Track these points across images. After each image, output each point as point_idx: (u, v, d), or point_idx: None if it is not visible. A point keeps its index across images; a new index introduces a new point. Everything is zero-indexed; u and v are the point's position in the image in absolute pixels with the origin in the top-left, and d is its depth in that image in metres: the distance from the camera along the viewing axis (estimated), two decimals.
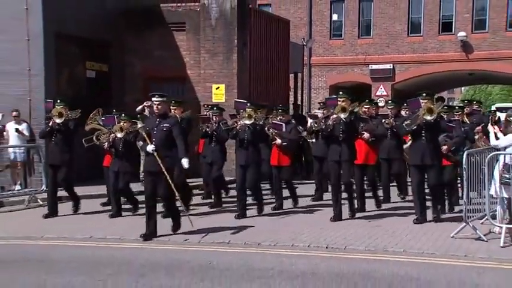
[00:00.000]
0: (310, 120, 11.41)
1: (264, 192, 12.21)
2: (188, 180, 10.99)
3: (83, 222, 10.19)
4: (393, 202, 11.62)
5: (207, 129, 11.06)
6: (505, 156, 8.52)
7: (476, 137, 10.96)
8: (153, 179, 8.61)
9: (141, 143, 8.86)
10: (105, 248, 8.44)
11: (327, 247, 8.12)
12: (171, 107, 10.48)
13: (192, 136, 11.36)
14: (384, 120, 11.20)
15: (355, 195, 10.34)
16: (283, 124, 10.83)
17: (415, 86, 24.90)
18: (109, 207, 10.84)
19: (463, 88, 61.75)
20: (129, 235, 8.88)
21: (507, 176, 8.38)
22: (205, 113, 12.25)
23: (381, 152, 11.29)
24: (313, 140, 12.19)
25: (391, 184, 12.08)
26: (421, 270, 6.98)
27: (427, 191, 9.81)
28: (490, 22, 26.33)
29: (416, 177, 9.51)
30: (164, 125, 8.64)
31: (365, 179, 11.14)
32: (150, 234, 8.67)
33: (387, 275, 6.76)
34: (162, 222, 9.20)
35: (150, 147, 8.51)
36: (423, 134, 9.33)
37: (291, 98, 20.83)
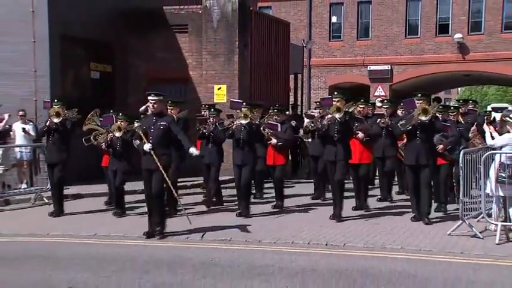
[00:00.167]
0: (306, 120, 11.34)
1: (266, 190, 12.25)
2: (186, 179, 10.93)
3: (88, 220, 10.19)
4: (391, 201, 11.61)
5: (204, 130, 10.97)
6: (501, 156, 8.52)
7: (470, 135, 10.95)
8: (150, 176, 8.54)
9: (137, 141, 8.73)
10: (109, 245, 8.43)
11: (326, 244, 8.12)
12: (168, 107, 10.34)
13: (189, 137, 11.25)
14: (379, 120, 11.12)
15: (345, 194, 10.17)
16: (279, 124, 10.74)
17: (413, 87, 24.90)
18: (113, 206, 10.80)
19: (459, 89, 61.73)
20: (132, 233, 8.88)
21: (503, 174, 8.38)
22: (202, 114, 12.18)
23: (376, 151, 11.24)
24: (309, 140, 12.09)
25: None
26: (418, 267, 6.98)
27: None
28: (486, 24, 26.35)
29: (412, 177, 9.42)
30: (161, 123, 8.56)
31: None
32: (153, 232, 8.65)
33: (385, 272, 6.75)
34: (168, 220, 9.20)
35: (147, 146, 8.44)
36: (418, 134, 9.25)
37: (291, 99, 20.83)
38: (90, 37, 14.69)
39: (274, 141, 10.76)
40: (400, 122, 9.43)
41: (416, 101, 9.34)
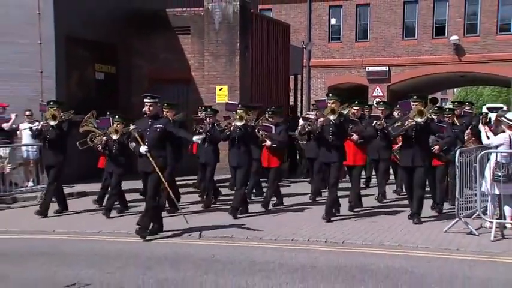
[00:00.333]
0: (301, 122, 11.19)
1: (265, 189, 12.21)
2: (183, 178, 10.87)
3: (92, 218, 10.19)
4: (389, 199, 11.60)
5: (201, 130, 10.89)
6: (497, 155, 8.51)
7: (465, 138, 10.89)
8: (147, 178, 8.42)
9: (133, 144, 8.54)
10: (113, 242, 8.44)
11: (325, 241, 8.12)
12: (164, 110, 10.24)
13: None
14: (375, 122, 10.99)
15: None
16: (273, 126, 10.61)
17: (410, 87, 24.93)
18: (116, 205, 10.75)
19: (455, 89, 61.65)
20: (135, 230, 8.85)
21: (499, 173, 8.38)
22: (199, 115, 12.12)
23: (371, 153, 11.17)
24: (304, 142, 11.90)
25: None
26: (415, 263, 6.98)
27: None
28: (481, 26, 26.34)
29: (407, 178, 9.33)
30: (157, 125, 8.43)
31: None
32: (156, 229, 8.61)
33: (383, 268, 6.76)
34: (166, 219, 9.20)
35: (143, 148, 8.28)
36: (413, 136, 9.12)
37: (291, 99, 20.82)
38: (95, 39, 14.69)
39: (268, 143, 10.61)
40: (396, 124, 9.33)
41: (412, 103, 9.24)
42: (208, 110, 11.25)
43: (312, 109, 13.17)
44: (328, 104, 9.46)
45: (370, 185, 13.17)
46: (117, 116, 10.15)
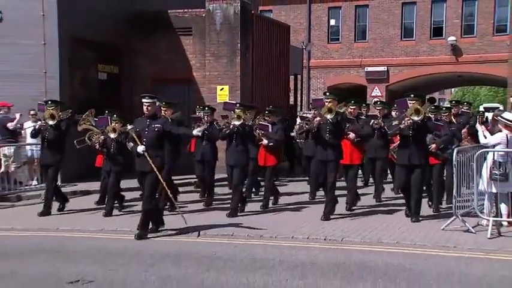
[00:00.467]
0: (298, 121, 11.14)
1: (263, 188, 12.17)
2: (181, 177, 10.80)
3: (95, 216, 10.18)
4: (387, 197, 11.60)
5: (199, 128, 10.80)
6: (494, 154, 8.52)
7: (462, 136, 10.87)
8: (144, 178, 8.32)
9: (131, 144, 8.42)
10: (116, 239, 8.44)
11: (325, 239, 8.12)
12: (162, 108, 10.13)
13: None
14: (372, 121, 10.86)
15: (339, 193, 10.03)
16: (269, 125, 10.55)
17: (408, 87, 24.91)
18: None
19: (452, 89, 61.63)
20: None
21: (496, 172, 8.38)
22: (196, 113, 12.08)
23: (368, 152, 11.12)
24: (301, 141, 11.79)
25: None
26: (413, 260, 6.98)
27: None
28: (478, 27, 26.39)
29: (404, 177, 9.21)
30: (155, 125, 8.34)
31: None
32: (153, 231, 8.54)
33: (381, 265, 6.76)
34: (166, 218, 9.20)
35: (140, 148, 8.18)
36: (411, 135, 9.04)
37: (291, 99, 20.84)
38: (98, 40, 14.70)
39: (265, 141, 10.53)
40: (394, 123, 9.28)
41: (408, 102, 9.17)
42: (206, 108, 11.17)
43: (310, 108, 13.14)
44: (325, 103, 9.40)
45: (369, 184, 13.14)
46: (115, 115, 10.03)
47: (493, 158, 8.49)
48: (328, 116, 9.23)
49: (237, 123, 9.76)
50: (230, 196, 10.37)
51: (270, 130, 10.49)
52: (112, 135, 9.82)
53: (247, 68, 15.63)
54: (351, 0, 28.26)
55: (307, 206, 10.94)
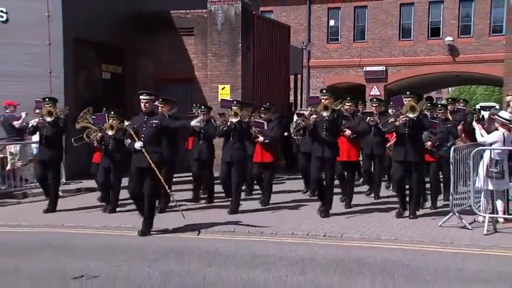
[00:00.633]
0: (295, 118, 11.07)
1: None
2: (179, 175, 10.72)
3: (99, 213, 10.17)
4: (385, 195, 11.59)
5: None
6: (491, 152, 8.52)
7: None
8: (140, 174, 8.23)
9: (128, 140, 8.32)
10: (120, 236, 8.45)
11: (324, 235, 8.13)
12: (159, 105, 10.00)
13: (181, 133, 10.99)
14: (368, 118, 10.82)
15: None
16: (265, 122, 10.49)
17: (406, 87, 24.85)
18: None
19: (449, 88, 61.58)
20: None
21: (493, 170, 8.38)
22: (193, 112, 11.99)
23: (365, 148, 11.08)
24: (298, 138, 11.68)
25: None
26: (411, 256, 6.99)
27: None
28: (475, 28, 26.38)
29: (399, 173, 9.17)
30: (153, 121, 8.28)
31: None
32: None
33: (380, 261, 6.77)
34: (169, 214, 9.19)
35: (138, 144, 8.09)
36: (406, 132, 8.97)
37: (291, 98, 20.83)
38: (102, 40, 14.71)
39: (261, 139, 10.47)
40: (389, 120, 9.22)
41: (404, 99, 9.12)
42: (203, 107, 11.06)
43: (306, 105, 13.06)
44: (322, 101, 9.31)
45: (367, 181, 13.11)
46: (112, 112, 9.91)
47: (490, 156, 8.50)
48: (324, 114, 9.12)
49: (234, 120, 9.67)
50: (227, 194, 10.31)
51: (265, 127, 10.41)
52: (110, 133, 9.66)
53: (248, 68, 15.62)
54: (350, 1, 28.25)
55: (306, 203, 10.91)
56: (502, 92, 19.56)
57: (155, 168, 8.09)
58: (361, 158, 11.64)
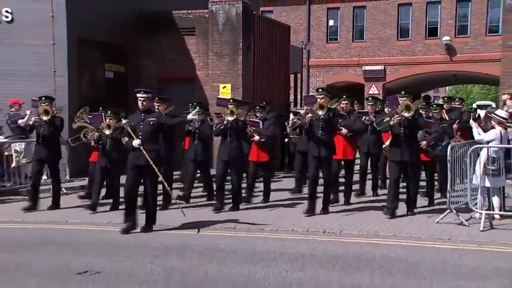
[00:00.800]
0: (291, 117, 10.98)
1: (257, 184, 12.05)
2: (177, 172, 10.66)
3: (102, 210, 10.13)
4: (384, 193, 11.56)
5: (189, 127, 10.48)
6: (488, 150, 8.50)
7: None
8: (138, 172, 8.11)
9: (126, 138, 8.21)
10: None
11: (324, 232, 8.11)
12: (155, 103, 9.86)
13: (178, 132, 10.96)
14: (364, 117, 10.74)
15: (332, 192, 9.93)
16: (260, 121, 10.39)
17: (404, 86, 24.86)
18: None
19: (447, 88, 61.55)
20: (143, 222, 8.69)
21: (490, 167, 8.37)
22: (189, 111, 11.86)
23: (362, 147, 11.01)
24: (295, 136, 11.60)
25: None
26: (409, 252, 6.98)
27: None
28: (472, 28, 26.37)
29: (395, 173, 9.10)
30: (151, 119, 8.18)
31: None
32: (131, 226, 8.24)
33: (378, 257, 6.76)
34: (171, 211, 9.17)
35: (136, 142, 7.97)
36: (402, 131, 8.89)
37: (291, 97, 20.81)
38: (105, 40, 14.70)
39: (256, 137, 10.36)
40: (385, 119, 9.14)
41: (399, 98, 9.05)
42: (198, 108, 10.76)
43: (303, 104, 12.99)
44: (317, 99, 9.23)
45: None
46: (109, 112, 9.82)
47: (487, 154, 8.48)
48: (320, 112, 9.02)
49: (230, 118, 9.58)
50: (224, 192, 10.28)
51: (261, 126, 10.31)
52: (107, 132, 9.58)
53: (248, 67, 15.60)
54: (349, 1, 28.22)
55: (303, 201, 10.85)
56: (498, 90, 19.52)
57: (154, 166, 8.02)
58: (357, 156, 11.59)
